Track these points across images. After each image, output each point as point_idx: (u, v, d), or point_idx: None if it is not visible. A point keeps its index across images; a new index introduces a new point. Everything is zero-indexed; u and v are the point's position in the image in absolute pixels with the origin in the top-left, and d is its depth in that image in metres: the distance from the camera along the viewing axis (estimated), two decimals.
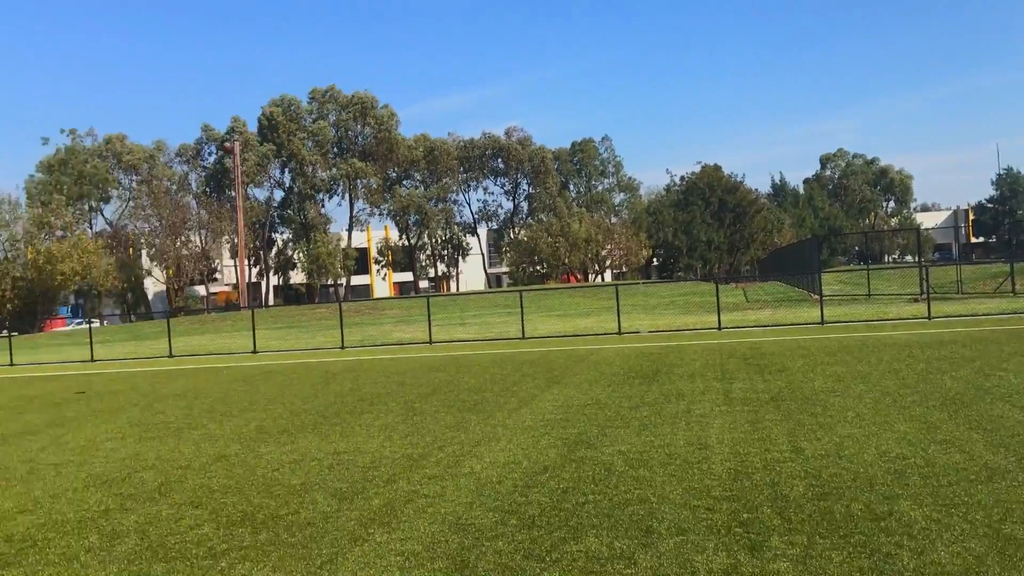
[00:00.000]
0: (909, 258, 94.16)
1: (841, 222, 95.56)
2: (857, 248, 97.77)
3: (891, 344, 17.08)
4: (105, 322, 67.20)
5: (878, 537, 5.45)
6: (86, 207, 77.26)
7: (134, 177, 79.46)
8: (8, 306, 58.83)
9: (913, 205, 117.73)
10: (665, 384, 13.12)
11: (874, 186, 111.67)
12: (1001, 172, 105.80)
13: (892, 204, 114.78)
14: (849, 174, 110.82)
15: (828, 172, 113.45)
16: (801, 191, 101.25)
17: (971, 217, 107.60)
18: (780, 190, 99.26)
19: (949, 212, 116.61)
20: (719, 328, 24.16)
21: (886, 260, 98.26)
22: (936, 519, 5.73)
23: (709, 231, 78.19)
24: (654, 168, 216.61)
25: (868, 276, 38.11)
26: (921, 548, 5.20)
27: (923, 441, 8.05)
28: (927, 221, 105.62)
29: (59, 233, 64.25)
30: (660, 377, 14.03)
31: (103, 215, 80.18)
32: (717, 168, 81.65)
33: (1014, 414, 9.05)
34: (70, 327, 62.78)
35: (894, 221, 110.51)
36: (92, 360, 28.17)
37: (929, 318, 22.99)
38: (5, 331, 55.85)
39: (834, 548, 5.30)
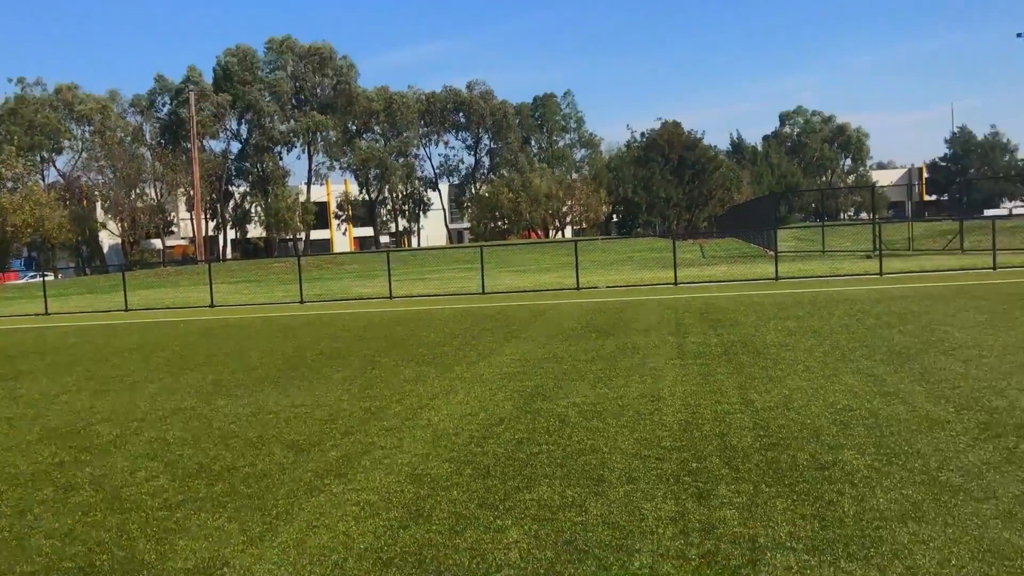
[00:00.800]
0: (865, 215, 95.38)
1: (799, 179, 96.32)
2: (814, 205, 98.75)
3: (843, 299, 17.41)
4: (60, 275, 66.09)
5: (821, 485, 5.62)
6: (38, 158, 75.50)
7: (87, 128, 77.74)
8: None
9: (869, 163, 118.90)
10: (621, 338, 13.28)
11: (831, 144, 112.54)
12: (955, 131, 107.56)
13: (848, 162, 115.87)
14: (808, 131, 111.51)
15: (787, 129, 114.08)
16: (760, 148, 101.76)
17: (924, 175, 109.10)
18: (738, 147, 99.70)
19: (904, 170, 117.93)
20: (675, 284, 24.44)
21: (842, 217, 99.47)
22: (877, 468, 5.92)
23: (668, 188, 78.34)
24: (615, 124, 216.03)
25: (823, 233, 38.60)
26: (861, 495, 5.38)
27: (869, 393, 8.27)
28: (883, 179, 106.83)
29: (10, 185, 62.76)
30: (616, 331, 14.20)
31: (55, 167, 78.48)
32: (677, 125, 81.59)
33: (956, 367, 9.31)
34: (23, 280, 61.66)
35: (851, 178, 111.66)
36: (46, 313, 27.79)
37: (881, 274, 23.45)
38: None
39: (779, 496, 5.46)
